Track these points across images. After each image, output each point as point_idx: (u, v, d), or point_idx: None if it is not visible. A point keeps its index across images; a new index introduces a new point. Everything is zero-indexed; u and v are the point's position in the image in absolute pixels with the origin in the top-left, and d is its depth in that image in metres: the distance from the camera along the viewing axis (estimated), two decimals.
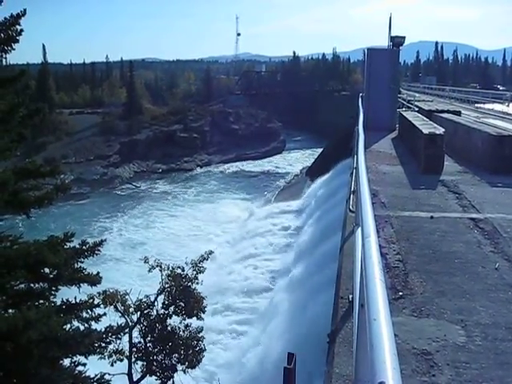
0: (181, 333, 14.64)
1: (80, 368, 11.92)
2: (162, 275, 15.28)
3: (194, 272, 15.23)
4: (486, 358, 4.69)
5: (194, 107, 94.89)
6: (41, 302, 12.08)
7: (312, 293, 20.08)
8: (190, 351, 14.48)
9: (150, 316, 14.75)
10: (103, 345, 12.82)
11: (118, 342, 13.68)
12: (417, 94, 42.72)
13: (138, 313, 14.66)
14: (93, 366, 12.59)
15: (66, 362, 11.89)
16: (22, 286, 11.99)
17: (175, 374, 14.55)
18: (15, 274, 11.09)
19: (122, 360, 14.10)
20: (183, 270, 15.27)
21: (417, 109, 26.29)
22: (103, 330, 12.72)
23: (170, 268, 15.35)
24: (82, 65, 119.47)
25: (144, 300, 14.83)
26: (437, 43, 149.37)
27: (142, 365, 14.46)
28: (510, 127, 18.79)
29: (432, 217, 9.25)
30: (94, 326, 12.63)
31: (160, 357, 14.48)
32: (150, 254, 18.39)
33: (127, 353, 14.20)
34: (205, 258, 15.72)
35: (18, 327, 9.88)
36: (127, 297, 14.80)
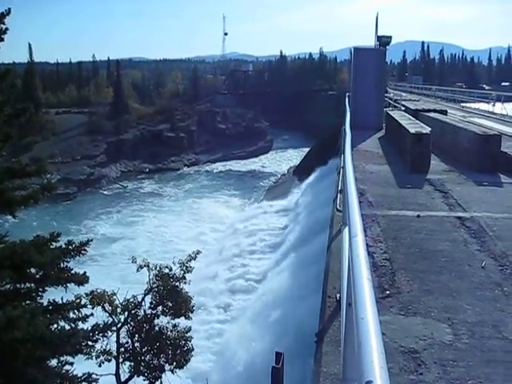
0: (169, 333, 14.57)
1: (67, 367, 11.88)
2: (149, 275, 15.21)
3: (182, 272, 15.17)
4: (473, 356, 4.72)
5: (181, 107, 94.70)
6: (27, 302, 12.02)
7: (299, 291, 20.08)
8: (178, 351, 14.42)
9: (138, 316, 14.68)
10: (90, 344, 12.78)
11: (106, 342, 13.64)
12: (403, 94, 42.97)
13: (126, 313, 14.58)
14: (81, 366, 12.54)
15: (53, 362, 11.85)
16: (8, 286, 11.91)
17: (163, 375, 14.50)
18: (1, 274, 11.02)
19: (109, 360, 14.02)
20: (171, 270, 15.21)
21: (403, 108, 26.42)
22: (90, 329, 12.68)
23: (158, 268, 15.28)
24: (69, 64, 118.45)
25: (131, 300, 14.76)
26: (423, 43, 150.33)
27: (130, 365, 14.38)
28: (496, 126, 18.97)
29: (419, 215, 9.29)
30: (81, 326, 12.59)
31: (148, 357, 14.41)
32: (135, 252, 18.25)
33: (115, 353, 14.13)
34: (192, 257, 15.66)
35: (0, 326, 9.82)
36: (115, 297, 14.72)
